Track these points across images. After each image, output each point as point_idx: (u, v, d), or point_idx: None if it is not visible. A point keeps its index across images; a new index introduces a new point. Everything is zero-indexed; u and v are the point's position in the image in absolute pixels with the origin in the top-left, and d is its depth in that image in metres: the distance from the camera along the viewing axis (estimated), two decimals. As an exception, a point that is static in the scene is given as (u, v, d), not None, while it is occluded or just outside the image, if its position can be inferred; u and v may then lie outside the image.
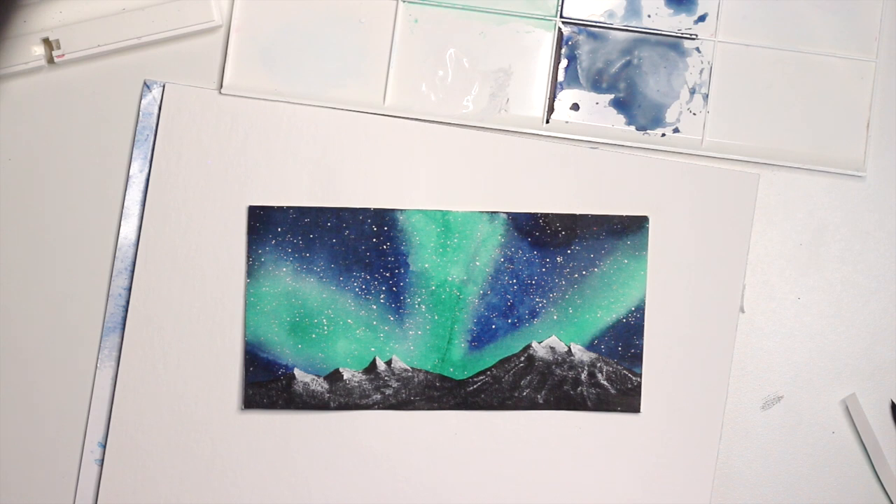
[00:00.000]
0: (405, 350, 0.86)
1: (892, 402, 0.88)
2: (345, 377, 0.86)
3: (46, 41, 0.86)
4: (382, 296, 0.86)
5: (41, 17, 0.87)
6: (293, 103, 0.86)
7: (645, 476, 0.86)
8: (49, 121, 0.87)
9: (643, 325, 0.86)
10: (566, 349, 0.86)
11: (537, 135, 0.87)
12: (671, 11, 0.88)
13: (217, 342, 0.86)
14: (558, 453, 0.86)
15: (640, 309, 0.86)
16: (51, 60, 0.86)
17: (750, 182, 0.87)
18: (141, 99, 0.87)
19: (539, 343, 0.86)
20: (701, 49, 0.88)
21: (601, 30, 0.88)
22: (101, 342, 0.86)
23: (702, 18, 0.88)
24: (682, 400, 0.86)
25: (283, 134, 0.86)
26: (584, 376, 0.86)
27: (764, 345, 0.88)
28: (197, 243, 0.86)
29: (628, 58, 0.88)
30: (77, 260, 0.86)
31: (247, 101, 0.87)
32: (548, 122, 0.88)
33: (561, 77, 0.88)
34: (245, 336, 0.86)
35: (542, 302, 0.86)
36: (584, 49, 0.88)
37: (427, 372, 0.86)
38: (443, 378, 0.86)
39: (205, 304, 0.86)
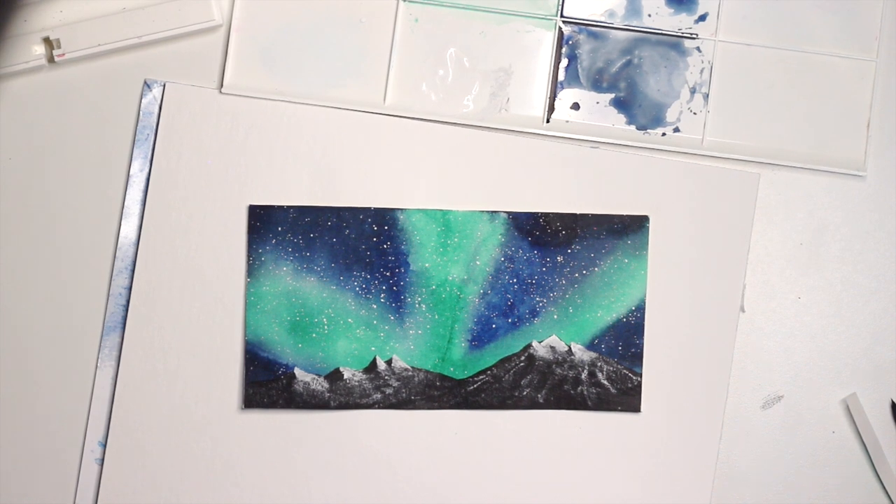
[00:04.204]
0: (405, 349, 0.86)
1: (893, 402, 0.88)
2: (345, 376, 0.86)
3: (47, 40, 0.86)
4: (383, 295, 0.86)
5: (42, 17, 0.87)
6: (293, 103, 0.86)
7: (645, 476, 0.86)
8: (49, 121, 0.87)
9: (643, 325, 0.86)
10: (566, 349, 0.86)
11: (538, 134, 0.87)
12: (672, 11, 0.88)
13: (217, 342, 0.86)
14: (558, 453, 0.86)
15: (640, 308, 0.86)
16: (51, 60, 0.86)
17: (750, 182, 0.87)
18: (141, 98, 0.87)
19: (539, 342, 0.86)
20: (701, 48, 0.88)
21: (602, 29, 0.88)
22: (101, 342, 0.86)
23: (702, 18, 0.88)
24: (682, 400, 0.86)
25: (284, 133, 0.86)
26: (584, 376, 0.86)
27: (764, 344, 0.88)
28: (197, 243, 0.86)
29: (629, 57, 0.88)
30: (77, 260, 0.86)
31: (247, 101, 0.87)
32: (548, 121, 0.88)
33: (561, 76, 0.88)
34: (245, 335, 0.86)
35: (542, 301, 0.86)
36: (585, 48, 0.88)
37: (427, 371, 0.86)
38: (443, 377, 0.86)
39: (205, 303, 0.86)
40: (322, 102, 0.87)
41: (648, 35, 0.88)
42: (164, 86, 0.87)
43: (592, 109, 0.88)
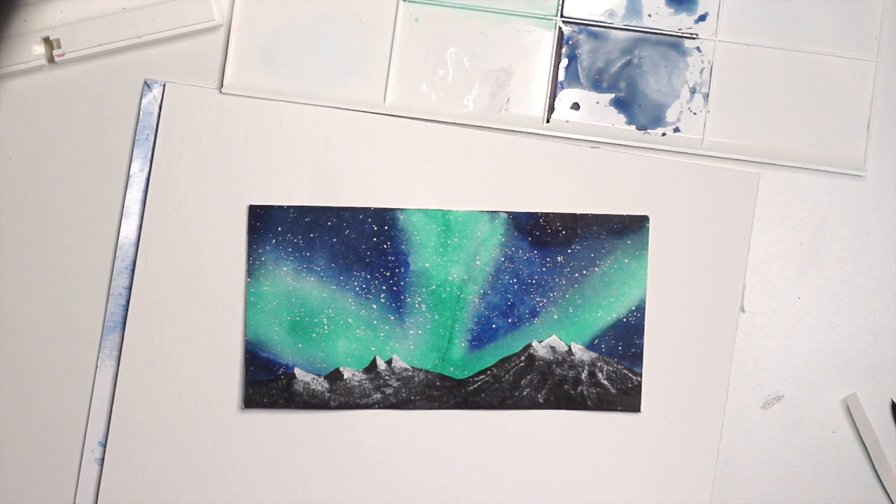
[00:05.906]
0: (405, 349, 0.86)
1: (893, 402, 0.88)
2: (345, 376, 0.86)
3: (47, 40, 0.86)
4: (383, 295, 0.86)
5: (42, 16, 0.87)
6: (294, 102, 0.86)
7: (645, 476, 0.86)
8: (49, 121, 0.87)
9: (643, 325, 0.86)
10: (566, 349, 0.86)
11: (538, 134, 0.87)
12: (672, 11, 0.88)
13: (217, 342, 0.86)
14: (558, 453, 0.86)
15: (640, 308, 0.86)
16: (51, 59, 0.86)
17: (750, 181, 0.87)
18: (141, 98, 0.87)
19: (539, 342, 0.86)
20: (701, 48, 0.88)
21: (602, 29, 0.88)
22: (101, 342, 0.86)
23: (702, 18, 0.88)
24: (682, 400, 0.86)
25: (284, 133, 0.86)
26: (584, 376, 0.86)
27: (764, 344, 0.88)
28: (197, 242, 0.86)
29: (629, 57, 0.88)
30: (77, 260, 0.86)
31: (247, 101, 0.87)
32: (548, 121, 0.88)
33: (561, 76, 0.88)
34: (245, 335, 0.86)
35: (542, 301, 0.86)
36: (585, 48, 0.88)
37: (427, 371, 0.86)
38: (443, 377, 0.86)
39: (205, 303, 0.86)
40: (322, 102, 0.87)
41: (648, 35, 0.88)
42: (164, 86, 0.87)
43: (592, 109, 0.88)
